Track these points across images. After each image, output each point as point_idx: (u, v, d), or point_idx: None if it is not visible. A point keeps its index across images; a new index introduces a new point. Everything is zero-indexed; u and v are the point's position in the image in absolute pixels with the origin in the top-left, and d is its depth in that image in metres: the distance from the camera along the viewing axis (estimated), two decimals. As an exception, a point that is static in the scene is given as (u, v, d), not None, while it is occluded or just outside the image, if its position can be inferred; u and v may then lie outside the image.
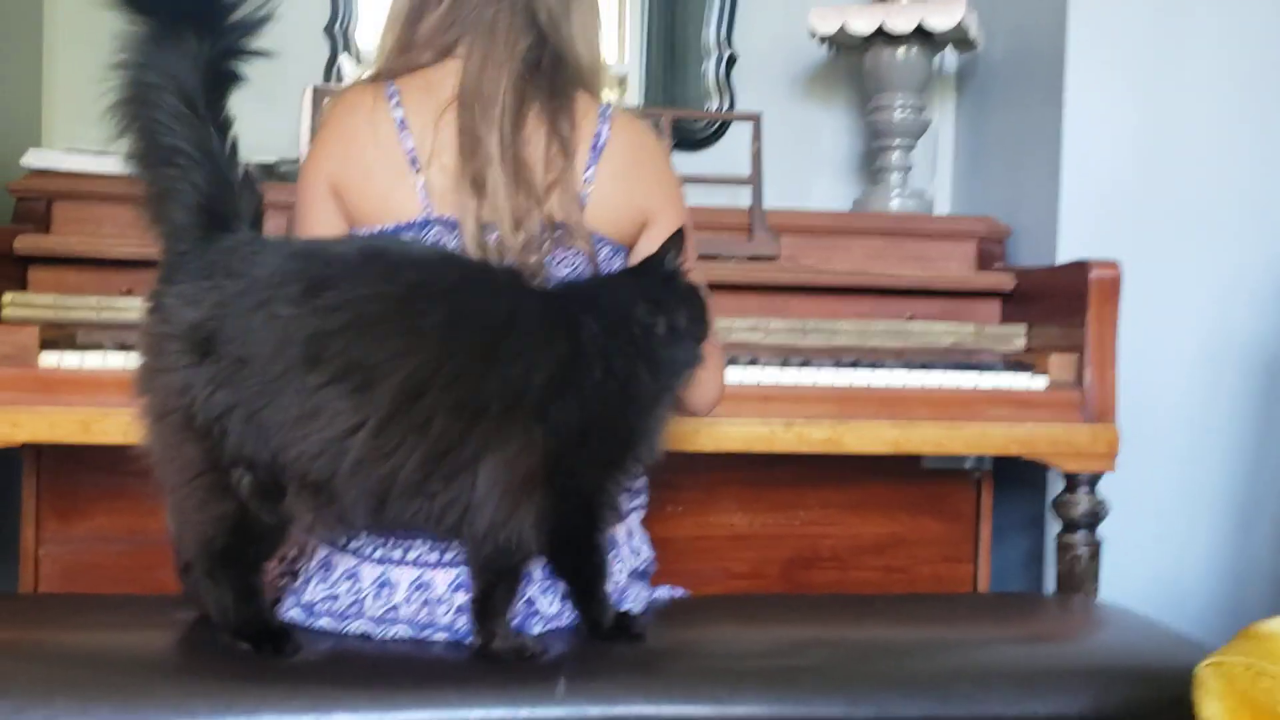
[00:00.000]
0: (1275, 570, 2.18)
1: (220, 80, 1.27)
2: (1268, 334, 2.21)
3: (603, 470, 1.32)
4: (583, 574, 1.36)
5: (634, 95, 2.69)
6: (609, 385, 1.29)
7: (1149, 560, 2.18)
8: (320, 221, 1.42)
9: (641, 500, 1.53)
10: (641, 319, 1.31)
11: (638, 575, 1.50)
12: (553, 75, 1.39)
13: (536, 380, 1.25)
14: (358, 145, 1.39)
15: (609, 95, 2.53)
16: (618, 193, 1.43)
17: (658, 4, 2.68)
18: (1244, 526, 2.23)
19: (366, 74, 1.47)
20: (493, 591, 1.31)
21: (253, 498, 1.23)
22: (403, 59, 1.43)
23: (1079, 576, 1.91)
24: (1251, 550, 2.21)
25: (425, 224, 1.38)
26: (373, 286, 1.22)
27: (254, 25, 1.27)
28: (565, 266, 1.41)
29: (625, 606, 1.44)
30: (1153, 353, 2.17)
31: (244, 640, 1.28)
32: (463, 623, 1.36)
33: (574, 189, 1.39)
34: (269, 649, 1.28)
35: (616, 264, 1.46)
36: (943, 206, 2.65)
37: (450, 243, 1.37)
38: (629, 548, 1.48)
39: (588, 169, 1.41)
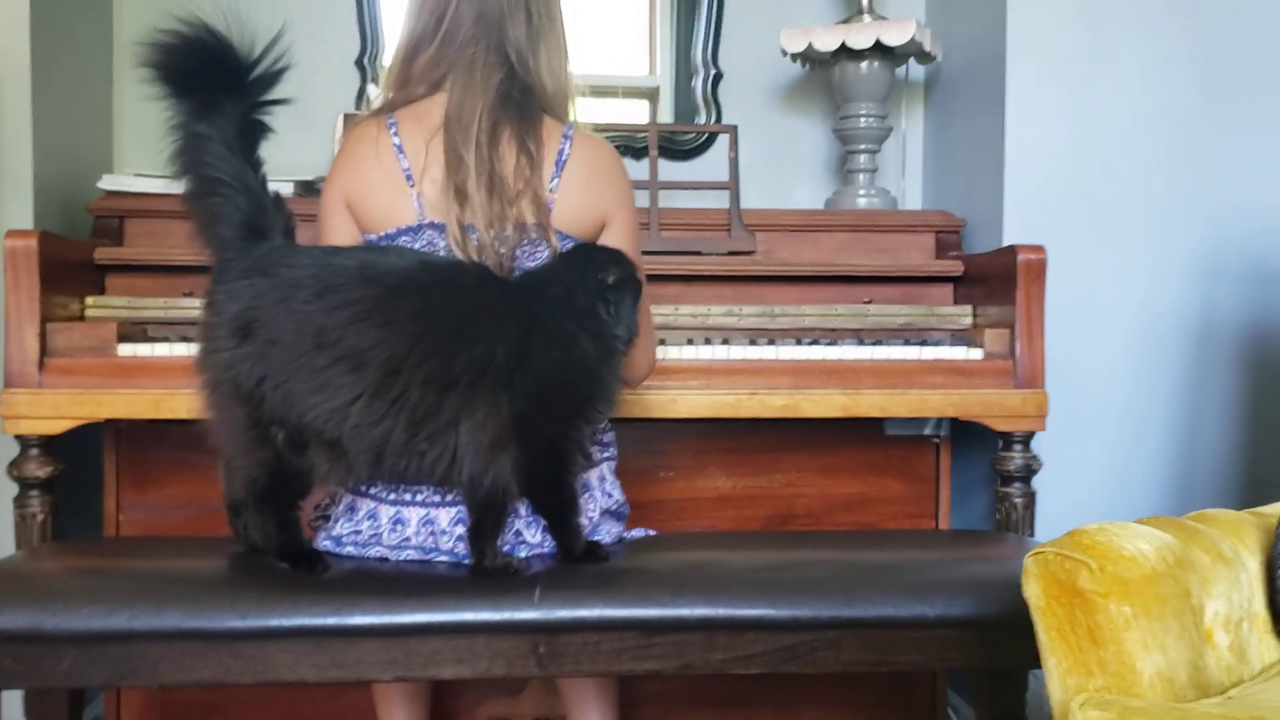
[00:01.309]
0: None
1: (251, 128, 1.62)
2: (1196, 309, 2.47)
3: (563, 423, 1.63)
4: (556, 509, 1.67)
5: (665, 106, 3.01)
6: (557, 354, 1.60)
7: (1090, 508, 2.44)
8: (338, 230, 1.75)
9: (612, 451, 1.83)
10: (582, 301, 1.62)
11: (610, 514, 1.81)
12: (521, 103, 1.71)
13: (499, 356, 1.57)
14: (365, 168, 1.72)
15: (643, 106, 2.85)
16: (579, 199, 1.74)
17: (685, 25, 2.98)
18: (1181, 480, 2.49)
19: (372, 109, 1.79)
20: (483, 522, 1.63)
21: (285, 448, 1.56)
22: (402, 93, 1.75)
23: (1015, 523, 2.19)
24: (1188, 495, 2.47)
25: (419, 228, 1.70)
26: (363, 290, 1.55)
27: (272, 80, 1.62)
28: (533, 260, 1.72)
29: (596, 538, 1.75)
30: (1090, 326, 2.44)
31: (283, 561, 1.61)
32: (461, 548, 1.67)
33: (541, 196, 1.70)
34: (303, 567, 1.61)
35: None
36: (914, 202, 2.93)
37: (440, 243, 1.69)
38: (601, 490, 1.78)
39: (552, 180, 1.72)
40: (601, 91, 2.98)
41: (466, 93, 1.69)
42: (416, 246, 1.70)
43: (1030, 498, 2.19)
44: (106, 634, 1.48)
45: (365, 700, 2.06)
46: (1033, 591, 1.32)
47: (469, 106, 1.68)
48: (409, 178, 1.69)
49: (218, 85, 1.58)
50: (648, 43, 3.07)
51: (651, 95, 3.05)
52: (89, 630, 1.48)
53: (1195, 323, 2.48)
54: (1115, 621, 1.25)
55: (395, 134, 1.71)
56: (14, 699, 1.91)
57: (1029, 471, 2.19)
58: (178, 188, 2.20)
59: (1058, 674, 1.29)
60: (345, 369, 1.52)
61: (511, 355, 1.58)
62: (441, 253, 1.70)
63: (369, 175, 1.71)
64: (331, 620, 1.50)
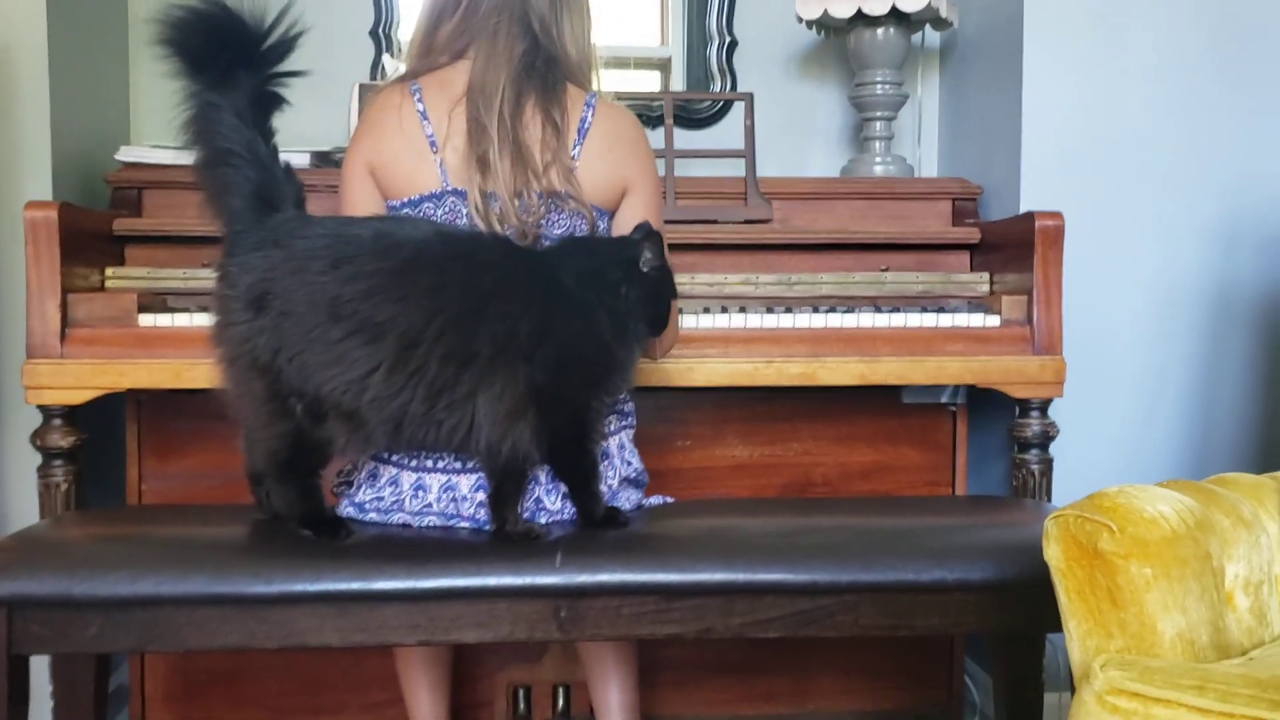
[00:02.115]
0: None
1: (263, 99, 1.61)
2: (1213, 275, 2.46)
3: (584, 393, 1.63)
4: (576, 475, 1.68)
5: (677, 76, 3.00)
6: (577, 327, 1.61)
7: (1107, 474, 2.44)
8: (360, 198, 1.75)
9: (630, 420, 1.84)
10: (611, 281, 1.63)
11: (629, 482, 1.81)
12: (545, 73, 1.71)
13: (522, 333, 1.57)
14: (388, 134, 1.72)
15: (655, 77, 2.84)
16: (600, 167, 1.74)
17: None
18: (1198, 446, 2.49)
19: (395, 76, 1.79)
20: (503, 488, 1.64)
21: (304, 419, 1.56)
22: (424, 61, 1.75)
23: (1032, 489, 2.19)
24: (1205, 461, 2.47)
25: (442, 195, 1.71)
26: (378, 262, 1.54)
27: (285, 51, 1.60)
28: (559, 228, 1.73)
29: (615, 505, 1.76)
30: (1107, 293, 2.43)
31: (306, 528, 1.62)
32: (483, 514, 1.68)
33: (568, 165, 1.70)
34: (326, 534, 1.62)
35: (602, 226, 1.78)
36: (930, 170, 2.92)
37: (463, 209, 1.70)
38: (620, 459, 1.79)
39: (574, 148, 1.72)
40: (613, 63, 2.97)
41: (490, 63, 1.69)
42: (439, 213, 1.71)
43: (1047, 464, 2.19)
44: (133, 599, 1.49)
45: (388, 667, 2.08)
46: (1053, 554, 1.33)
47: (492, 77, 1.68)
48: (433, 144, 1.70)
49: (230, 59, 1.57)
50: (659, 13, 3.05)
51: (663, 66, 3.04)
52: (115, 596, 1.49)
53: (1212, 289, 2.47)
54: (1136, 583, 1.26)
55: (419, 100, 1.71)
56: (41, 663, 1.93)
57: (1046, 438, 2.19)
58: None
59: (1078, 635, 1.30)
60: (361, 341, 1.52)
61: (535, 331, 1.58)
62: (464, 219, 1.71)
63: (393, 142, 1.72)
64: (355, 585, 1.51)
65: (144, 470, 2.31)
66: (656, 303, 1.68)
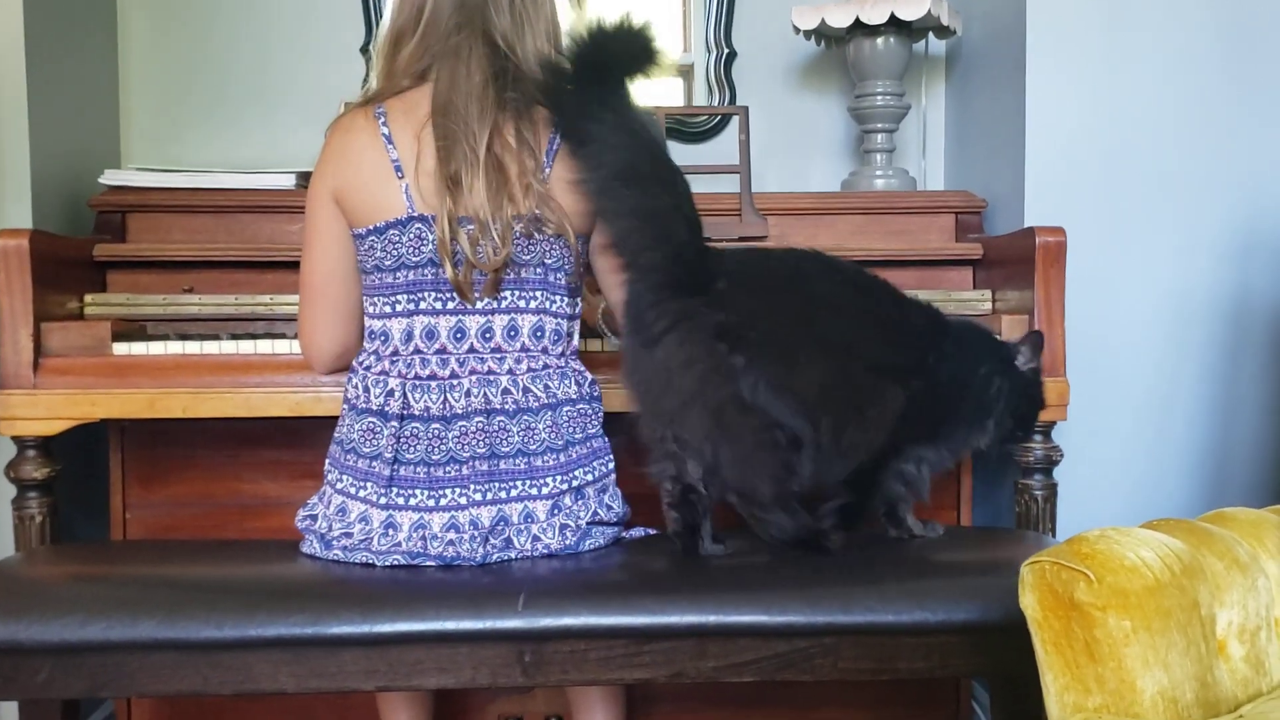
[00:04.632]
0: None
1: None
2: (1228, 289, 2.36)
3: (915, 445, 1.74)
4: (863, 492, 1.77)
5: (699, 82, 2.92)
6: (941, 391, 1.71)
7: (1116, 500, 2.35)
8: (326, 225, 1.71)
9: (610, 465, 1.77)
10: (983, 374, 1.74)
11: (602, 523, 1.75)
12: (514, 92, 1.65)
13: (909, 362, 1.69)
14: (353, 159, 1.67)
15: (678, 84, 2.80)
16: (569, 189, 1.68)
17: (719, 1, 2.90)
18: (1213, 469, 2.39)
19: (358, 100, 1.75)
20: (895, 503, 1.81)
21: (788, 447, 1.62)
22: (388, 84, 1.71)
23: (1035, 516, 2.11)
24: (1221, 485, 2.37)
25: (408, 222, 1.65)
26: (827, 283, 1.68)
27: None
28: (528, 254, 1.67)
29: (589, 540, 1.70)
30: (1116, 309, 2.34)
31: (807, 546, 1.69)
32: (450, 552, 1.63)
33: (543, 187, 1.65)
34: (816, 550, 1.69)
35: (580, 250, 1.73)
36: (936, 183, 2.84)
37: (429, 236, 1.64)
38: (598, 501, 1.73)
39: (544, 170, 1.66)
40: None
41: (454, 82, 1.64)
42: (404, 240, 1.66)
43: (1051, 490, 2.11)
44: (82, 645, 1.45)
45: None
46: (1029, 603, 1.25)
47: (458, 96, 1.63)
48: (398, 169, 1.65)
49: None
50: (682, 20, 2.99)
51: (686, 73, 2.97)
52: (64, 641, 1.45)
53: (1227, 303, 2.37)
54: (1114, 636, 1.18)
55: (384, 124, 1.66)
56: (10, 709, 1.90)
57: (1049, 463, 2.10)
58: (179, 181, 2.17)
59: (1055, 690, 1.23)
60: (826, 353, 1.63)
61: (918, 368, 1.68)
62: (429, 246, 1.65)
63: (357, 169, 1.67)
64: (309, 630, 1.47)
65: (128, 499, 2.27)
66: (1030, 403, 1.78)
